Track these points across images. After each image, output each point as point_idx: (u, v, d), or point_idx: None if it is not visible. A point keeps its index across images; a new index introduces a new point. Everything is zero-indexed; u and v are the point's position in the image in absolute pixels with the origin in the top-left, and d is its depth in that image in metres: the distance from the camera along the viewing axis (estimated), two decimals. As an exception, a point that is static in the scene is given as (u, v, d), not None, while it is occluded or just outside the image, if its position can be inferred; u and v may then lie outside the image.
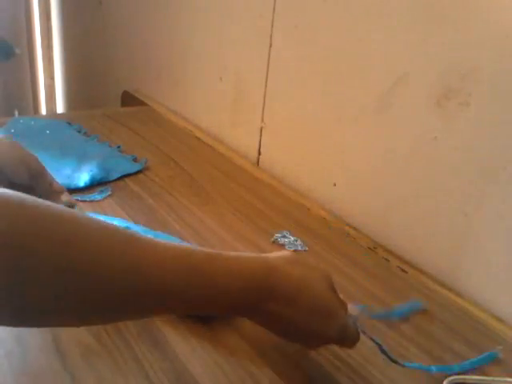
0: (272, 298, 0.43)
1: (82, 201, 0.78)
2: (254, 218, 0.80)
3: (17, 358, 0.49)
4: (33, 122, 1.05)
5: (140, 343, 0.52)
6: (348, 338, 0.48)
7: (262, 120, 1.00)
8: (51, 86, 2.04)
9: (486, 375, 0.54)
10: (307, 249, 0.74)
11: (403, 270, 0.72)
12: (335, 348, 0.55)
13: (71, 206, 0.69)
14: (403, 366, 0.50)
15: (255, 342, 0.54)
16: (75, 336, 0.52)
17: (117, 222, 0.70)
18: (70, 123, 1.09)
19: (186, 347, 0.52)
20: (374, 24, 0.75)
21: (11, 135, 0.96)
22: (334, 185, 0.87)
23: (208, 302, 0.41)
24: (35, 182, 0.66)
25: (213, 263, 0.41)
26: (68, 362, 0.49)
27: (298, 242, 0.75)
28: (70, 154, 0.92)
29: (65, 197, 0.70)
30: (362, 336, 0.49)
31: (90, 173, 0.85)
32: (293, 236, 0.76)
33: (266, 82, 0.97)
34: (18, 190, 0.64)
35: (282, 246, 0.74)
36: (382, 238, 0.79)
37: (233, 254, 0.43)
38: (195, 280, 0.39)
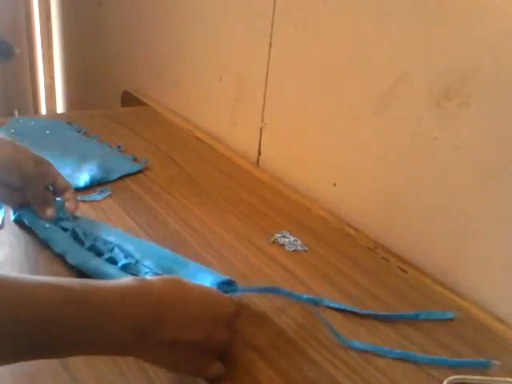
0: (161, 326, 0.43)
1: (82, 201, 0.78)
2: (254, 218, 0.80)
3: (17, 358, 0.49)
4: (33, 122, 1.06)
5: (140, 343, 0.52)
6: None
7: (262, 120, 1.00)
8: (51, 86, 2.04)
9: (486, 375, 0.54)
10: (307, 249, 0.74)
11: (403, 270, 0.72)
12: (335, 348, 0.55)
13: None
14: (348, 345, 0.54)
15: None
16: (75, 336, 0.52)
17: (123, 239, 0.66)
18: (69, 123, 1.09)
19: (185, 347, 0.52)
20: (374, 24, 0.75)
21: (14, 136, 0.96)
22: (334, 185, 0.87)
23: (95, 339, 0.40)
24: (26, 184, 0.66)
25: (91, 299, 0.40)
26: (68, 361, 0.49)
27: (298, 242, 0.75)
28: (70, 154, 0.92)
29: (69, 194, 0.70)
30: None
31: (90, 173, 0.85)
32: (293, 236, 0.76)
33: (266, 82, 0.97)
34: (10, 191, 0.63)
35: (282, 245, 0.74)
36: (382, 238, 0.79)
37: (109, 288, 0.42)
38: (72, 318, 0.38)
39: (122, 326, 0.41)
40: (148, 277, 0.46)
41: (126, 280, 0.43)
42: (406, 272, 0.72)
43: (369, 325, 0.60)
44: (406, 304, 0.64)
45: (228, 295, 0.53)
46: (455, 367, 0.54)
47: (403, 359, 0.55)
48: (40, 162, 0.68)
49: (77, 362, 0.49)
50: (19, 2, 1.87)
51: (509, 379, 0.54)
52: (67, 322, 0.38)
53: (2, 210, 0.73)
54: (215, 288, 0.53)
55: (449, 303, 0.66)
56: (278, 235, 0.75)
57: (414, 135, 0.73)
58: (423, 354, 0.56)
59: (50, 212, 0.67)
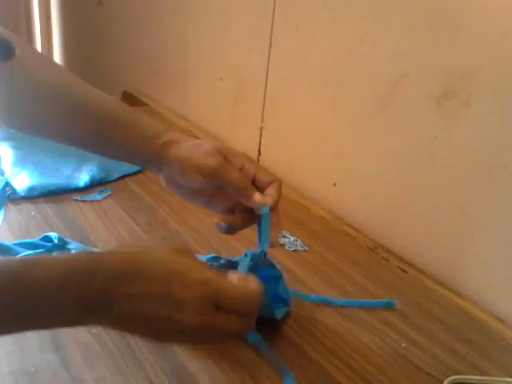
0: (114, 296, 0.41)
1: (82, 201, 0.78)
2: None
3: (16, 358, 0.49)
4: (33, 122, 1.05)
5: (140, 343, 0.52)
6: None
7: (262, 120, 1.00)
8: (51, 86, 2.04)
9: (486, 375, 0.54)
10: (307, 249, 0.74)
11: (403, 270, 0.72)
12: (335, 348, 0.55)
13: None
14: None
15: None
16: (75, 336, 0.52)
17: None
18: (69, 123, 1.08)
19: (186, 347, 0.52)
20: (374, 24, 0.75)
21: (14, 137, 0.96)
22: (334, 185, 0.87)
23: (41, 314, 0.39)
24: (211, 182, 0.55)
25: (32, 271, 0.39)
26: (68, 361, 0.49)
27: (298, 242, 0.75)
28: (69, 154, 0.91)
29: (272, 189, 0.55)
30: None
31: (90, 173, 0.85)
32: (293, 236, 0.76)
33: (266, 82, 0.97)
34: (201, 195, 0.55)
35: (282, 245, 0.74)
36: (382, 238, 0.79)
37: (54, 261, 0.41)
38: (21, 290, 0.38)
39: (63, 308, 0.39)
40: (109, 249, 0.45)
41: (75, 254, 0.43)
42: (406, 272, 0.72)
43: (369, 325, 0.60)
44: (407, 304, 0.64)
45: (205, 275, 0.43)
46: (364, 307, 0.59)
47: (324, 303, 0.61)
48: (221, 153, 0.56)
49: (77, 361, 0.49)
50: (19, 2, 1.87)
51: (509, 379, 0.54)
52: (8, 306, 0.38)
53: (2, 211, 0.73)
54: (191, 265, 0.44)
55: (449, 303, 0.66)
56: (278, 235, 0.75)
57: (414, 135, 0.73)
58: (425, 354, 0.56)
59: (257, 196, 0.54)
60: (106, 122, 0.55)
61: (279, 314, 0.56)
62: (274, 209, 0.54)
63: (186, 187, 0.55)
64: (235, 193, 0.53)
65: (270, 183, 0.55)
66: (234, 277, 0.44)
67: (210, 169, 0.53)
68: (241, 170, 0.55)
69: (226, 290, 0.43)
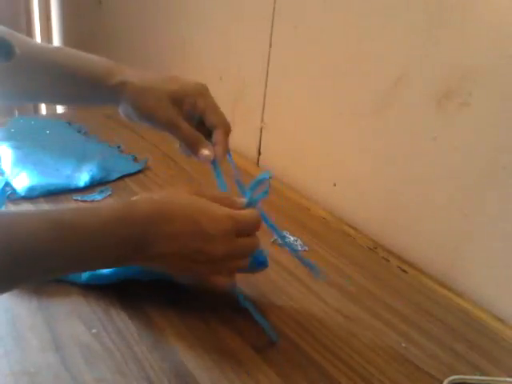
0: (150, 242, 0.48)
1: (82, 201, 0.78)
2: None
3: (16, 358, 0.49)
4: (33, 122, 1.05)
5: (140, 343, 0.52)
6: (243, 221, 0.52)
7: (262, 120, 1.00)
8: (51, 86, 2.04)
9: (486, 375, 0.54)
10: (307, 249, 0.74)
11: (403, 270, 0.72)
12: (335, 348, 0.55)
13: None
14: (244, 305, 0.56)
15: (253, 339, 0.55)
16: (75, 336, 0.52)
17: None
18: (70, 123, 1.09)
19: (186, 347, 0.52)
20: (374, 24, 0.75)
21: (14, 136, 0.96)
22: (334, 185, 0.87)
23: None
24: (168, 127, 0.61)
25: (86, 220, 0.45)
26: (68, 362, 0.49)
27: (298, 242, 0.75)
28: (69, 154, 0.92)
29: (218, 134, 0.61)
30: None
31: (90, 173, 0.85)
32: (293, 236, 0.76)
33: (266, 82, 0.97)
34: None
35: (283, 246, 0.74)
36: (382, 238, 0.79)
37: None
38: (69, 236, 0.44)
39: (111, 249, 0.46)
40: (134, 198, 0.51)
41: (113, 204, 0.49)
42: (406, 272, 0.72)
43: (369, 325, 0.60)
44: (406, 304, 0.64)
45: (226, 211, 0.52)
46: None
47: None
48: (183, 92, 0.61)
49: (77, 361, 0.49)
50: (19, 2, 1.87)
51: (509, 379, 0.54)
52: (57, 251, 0.43)
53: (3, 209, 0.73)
54: (211, 204, 0.52)
55: (449, 303, 0.66)
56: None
57: (414, 135, 0.73)
58: (425, 354, 0.56)
59: (206, 151, 0.59)
60: (63, 76, 0.62)
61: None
62: (223, 157, 0.60)
63: None
64: (184, 144, 0.59)
65: (216, 126, 0.59)
66: (242, 210, 0.54)
67: (160, 122, 0.58)
68: (193, 106, 0.59)
69: (243, 220, 0.52)
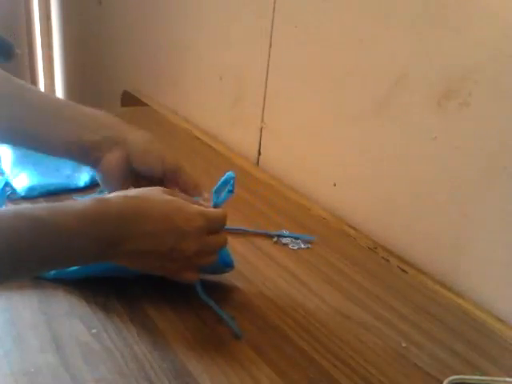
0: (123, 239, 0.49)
1: (81, 201, 0.78)
2: (254, 217, 0.80)
3: (16, 358, 0.49)
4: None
5: (140, 343, 0.52)
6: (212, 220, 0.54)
7: (262, 120, 1.00)
8: (51, 86, 2.04)
9: (486, 375, 0.54)
10: (310, 246, 0.74)
11: (403, 270, 0.72)
12: (335, 348, 0.55)
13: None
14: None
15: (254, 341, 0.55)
16: (75, 336, 0.52)
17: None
18: (69, 123, 1.08)
19: (185, 347, 0.52)
20: (374, 24, 0.75)
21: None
22: (334, 185, 0.87)
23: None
24: (168, 178, 0.62)
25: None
26: (68, 361, 0.49)
27: (300, 240, 0.75)
28: (69, 154, 0.91)
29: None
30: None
31: (90, 173, 0.84)
32: (293, 235, 0.76)
33: (266, 82, 0.97)
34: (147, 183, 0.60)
35: (285, 245, 0.74)
36: (382, 238, 0.79)
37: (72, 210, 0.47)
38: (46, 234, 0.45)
39: (86, 246, 0.47)
40: (109, 195, 0.52)
41: (86, 201, 0.49)
42: (406, 272, 0.72)
43: (369, 325, 0.60)
44: (406, 304, 0.64)
45: (198, 209, 0.54)
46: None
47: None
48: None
49: (77, 361, 0.49)
50: (19, 2, 1.87)
51: (509, 379, 0.54)
52: (37, 249, 0.44)
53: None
54: (184, 203, 0.54)
55: (449, 303, 0.66)
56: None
57: (414, 135, 0.73)
58: (424, 354, 0.56)
59: (206, 194, 0.60)
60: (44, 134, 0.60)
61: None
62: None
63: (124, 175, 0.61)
64: (186, 189, 0.60)
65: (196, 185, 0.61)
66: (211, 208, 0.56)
67: (171, 162, 0.60)
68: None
69: (213, 217, 0.54)
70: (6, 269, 0.43)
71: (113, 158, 0.59)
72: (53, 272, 0.59)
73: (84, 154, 0.59)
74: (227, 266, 0.61)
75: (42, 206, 0.48)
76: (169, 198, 0.53)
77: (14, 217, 0.44)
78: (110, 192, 0.59)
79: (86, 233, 0.47)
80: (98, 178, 0.63)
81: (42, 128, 0.59)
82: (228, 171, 0.58)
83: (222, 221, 0.56)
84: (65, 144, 0.59)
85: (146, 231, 0.50)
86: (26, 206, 0.50)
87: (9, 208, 0.48)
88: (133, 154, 0.60)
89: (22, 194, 0.77)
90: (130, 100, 1.40)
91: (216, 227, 0.55)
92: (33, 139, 0.60)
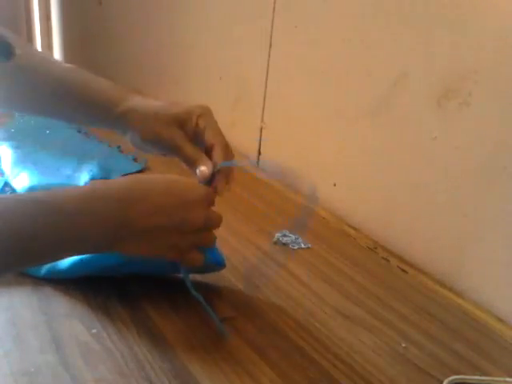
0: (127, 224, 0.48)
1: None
2: (254, 218, 0.80)
3: (16, 358, 0.49)
4: (33, 122, 1.05)
5: (140, 343, 0.52)
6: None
7: (262, 120, 1.00)
8: (51, 86, 2.04)
9: (486, 375, 0.54)
10: (310, 245, 0.74)
11: (403, 270, 0.72)
12: (335, 348, 0.55)
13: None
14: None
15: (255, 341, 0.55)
16: (75, 336, 0.52)
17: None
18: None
19: (186, 347, 0.52)
20: (374, 24, 0.75)
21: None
22: (334, 185, 0.87)
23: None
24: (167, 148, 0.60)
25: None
26: (68, 362, 0.49)
27: (300, 240, 0.75)
28: (70, 154, 0.92)
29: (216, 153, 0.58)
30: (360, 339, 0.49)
31: (90, 173, 0.85)
32: (293, 234, 0.76)
33: (266, 81, 0.97)
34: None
35: (286, 244, 0.74)
36: (382, 238, 0.79)
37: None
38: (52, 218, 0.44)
39: (92, 229, 0.46)
40: (110, 180, 0.52)
41: (86, 186, 0.49)
42: (406, 272, 0.72)
43: (369, 325, 0.60)
44: (406, 304, 0.64)
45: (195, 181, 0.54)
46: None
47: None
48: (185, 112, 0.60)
49: (77, 361, 0.49)
50: (19, 2, 1.86)
51: (509, 379, 0.54)
52: (43, 233, 0.43)
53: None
54: (181, 176, 0.53)
55: (449, 303, 0.66)
56: (279, 234, 0.75)
57: (414, 135, 0.73)
58: (424, 354, 0.56)
59: (202, 167, 0.56)
60: (70, 98, 0.63)
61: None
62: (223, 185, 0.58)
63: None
64: (186, 164, 0.59)
65: (213, 145, 0.58)
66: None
67: (166, 144, 0.58)
68: (195, 126, 0.59)
69: (209, 190, 0.54)
70: (10, 255, 0.42)
71: (128, 140, 0.61)
72: (44, 271, 0.59)
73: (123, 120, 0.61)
74: (219, 264, 0.60)
75: (41, 191, 0.47)
76: (163, 174, 0.53)
77: (14, 201, 0.44)
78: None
79: (89, 211, 0.46)
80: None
81: (70, 101, 0.62)
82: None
83: (212, 196, 0.55)
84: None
85: (153, 208, 0.49)
86: (24, 192, 0.50)
87: (7, 195, 0.48)
88: (133, 141, 0.60)
89: (22, 194, 0.77)
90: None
91: (212, 201, 0.55)
92: (59, 111, 0.64)
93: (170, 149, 0.59)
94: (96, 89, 0.63)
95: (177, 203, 0.50)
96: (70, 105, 0.64)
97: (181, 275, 0.57)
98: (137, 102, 0.61)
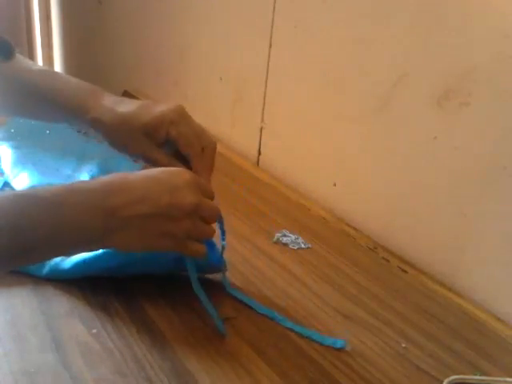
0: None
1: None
2: (254, 218, 0.80)
3: (16, 358, 0.49)
4: (33, 122, 1.05)
5: (140, 343, 0.52)
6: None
7: (262, 120, 1.00)
8: (51, 86, 2.03)
9: (486, 375, 0.54)
10: (310, 246, 0.74)
11: (403, 270, 0.72)
12: (335, 348, 0.55)
13: None
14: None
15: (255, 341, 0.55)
16: (75, 336, 0.52)
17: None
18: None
19: (185, 347, 0.52)
20: (374, 24, 0.75)
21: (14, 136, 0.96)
22: (334, 185, 0.87)
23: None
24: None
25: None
26: (68, 361, 0.49)
27: (300, 240, 0.75)
28: (70, 154, 0.91)
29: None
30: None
31: (90, 173, 0.84)
32: (293, 234, 0.76)
33: (266, 82, 0.97)
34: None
35: (285, 244, 0.74)
36: (382, 238, 0.79)
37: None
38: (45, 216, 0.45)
39: (78, 218, 0.46)
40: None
41: (68, 183, 0.49)
42: (406, 272, 0.72)
43: (369, 325, 0.60)
44: (406, 304, 0.64)
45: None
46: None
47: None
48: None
49: (77, 361, 0.49)
50: (19, 2, 1.86)
51: (509, 379, 0.54)
52: (41, 228, 0.44)
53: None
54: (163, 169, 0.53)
55: (449, 303, 0.66)
56: (279, 234, 0.75)
57: (414, 135, 0.73)
58: (424, 354, 0.56)
59: None
60: (42, 104, 0.65)
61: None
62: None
63: None
64: None
65: (188, 155, 0.58)
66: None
67: (134, 155, 0.60)
68: (167, 135, 0.58)
69: (198, 178, 0.53)
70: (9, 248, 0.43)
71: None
72: (46, 270, 0.59)
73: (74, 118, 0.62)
74: (221, 265, 0.60)
75: (44, 189, 0.47)
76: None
77: (25, 197, 0.45)
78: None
79: (73, 201, 0.46)
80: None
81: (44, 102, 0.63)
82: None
83: (209, 188, 0.54)
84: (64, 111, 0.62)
85: (136, 196, 0.48)
86: (29, 190, 0.51)
87: (12, 192, 0.49)
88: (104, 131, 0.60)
89: (22, 193, 0.77)
90: (130, 100, 1.39)
91: (205, 190, 0.53)
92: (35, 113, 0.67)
93: (139, 158, 0.59)
94: (66, 95, 0.63)
95: (161, 189, 0.49)
96: (44, 110, 0.65)
97: (182, 273, 0.57)
98: (104, 109, 0.60)
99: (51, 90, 0.63)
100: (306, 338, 0.56)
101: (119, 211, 0.47)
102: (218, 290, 0.62)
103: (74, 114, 0.61)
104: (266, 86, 0.97)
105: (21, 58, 0.65)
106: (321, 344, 0.55)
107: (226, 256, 0.61)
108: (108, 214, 0.47)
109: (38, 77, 0.65)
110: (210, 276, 0.62)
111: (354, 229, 0.82)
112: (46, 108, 0.65)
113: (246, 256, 0.70)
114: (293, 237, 0.75)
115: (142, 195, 0.48)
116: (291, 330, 0.56)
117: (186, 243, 0.51)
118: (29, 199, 0.45)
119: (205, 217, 0.52)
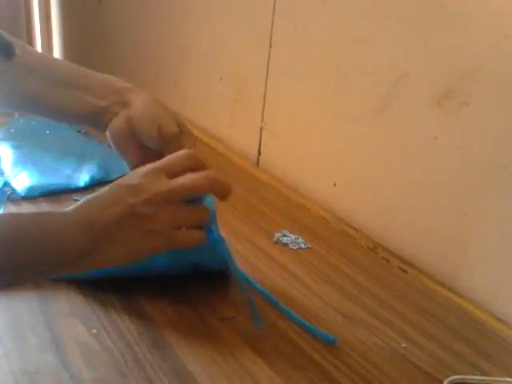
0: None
1: (81, 201, 0.78)
2: (254, 217, 0.80)
3: (16, 358, 0.49)
4: (33, 122, 1.05)
5: (140, 343, 0.52)
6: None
7: (262, 120, 1.00)
8: (51, 86, 2.04)
9: (486, 375, 0.54)
10: (311, 246, 0.74)
11: (403, 270, 0.72)
12: (335, 348, 0.55)
13: None
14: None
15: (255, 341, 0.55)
16: (75, 336, 0.52)
17: None
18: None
19: (186, 347, 0.52)
20: (374, 24, 0.75)
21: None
22: (334, 185, 0.87)
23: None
24: (164, 147, 0.58)
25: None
26: (68, 361, 0.49)
27: (300, 240, 0.75)
28: (70, 154, 0.91)
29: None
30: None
31: (90, 173, 0.85)
32: (293, 234, 0.76)
33: (266, 81, 0.97)
34: (151, 154, 0.58)
35: (285, 244, 0.74)
36: (382, 238, 0.79)
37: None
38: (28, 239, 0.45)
39: (60, 231, 0.46)
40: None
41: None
42: (406, 272, 0.72)
43: (369, 325, 0.60)
44: (406, 304, 0.64)
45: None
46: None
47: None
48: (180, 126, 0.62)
49: (77, 361, 0.49)
50: (19, 2, 1.86)
51: (509, 379, 0.54)
52: (28, 248, 0.44)
53: (1, 211, 0.73)
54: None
55: (449, 303, 0.66)
56: (279, 234, 0.75)
57: (414, 135, 0.73)
58: (424, 354, 0.56)
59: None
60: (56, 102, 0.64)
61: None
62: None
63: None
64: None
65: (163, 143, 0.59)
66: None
67: (167, 130, 0.61)
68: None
69: (168, 158, 0.50)
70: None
71: (116, 122, 0.60)
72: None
73: (96, 119, 0.61)
74: (230, 263, 0.58)
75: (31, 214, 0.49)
76: None
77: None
78: (121, 157, 0.61)
79: (49, 215, 0.48)
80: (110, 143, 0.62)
81: (58, 100, 0.63)
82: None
83: (190, 154, 0.51)
84: (79, 112, 0.62)
85: (107, 201, 0.47)
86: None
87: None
88: (133, 118, 0.60)
89: (22, 194, 0.77)
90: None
91: (181, 164, 0.49)
92: (49, 110, 0.64)
93: (165, 137, 0.61)
94: (93, 94, 0.65)
95: (122, 191, 0.47)
96: (62, 106, 0.65)
97: (182, 274, 0.56)
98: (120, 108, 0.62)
99: (74, 84, 0.66)
100: (300, 327, 0.56)
101: (96, 222, 0.46)
102: (218, 290, 0.62)
103: (95, 117, 0.62)
104: (266, 86, 0.97)
105: (39, 54, 0.66)
106: (315, 336, 0.56)
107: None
108: (87, 230, 0.46)
109: (63, 70, 0.68)
110: (209, 277, 0.62)
111: (354, 229, 0.82)
112: (63, 105, 0.64)
113: (246, 256, 0.70)
114: (293, 237, 0.75)
115: (112, 199, 0.47)
116: (287, 314, 0.57)
117: (176, 235, 0.49)
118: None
119: (184, 197, 0.49)
